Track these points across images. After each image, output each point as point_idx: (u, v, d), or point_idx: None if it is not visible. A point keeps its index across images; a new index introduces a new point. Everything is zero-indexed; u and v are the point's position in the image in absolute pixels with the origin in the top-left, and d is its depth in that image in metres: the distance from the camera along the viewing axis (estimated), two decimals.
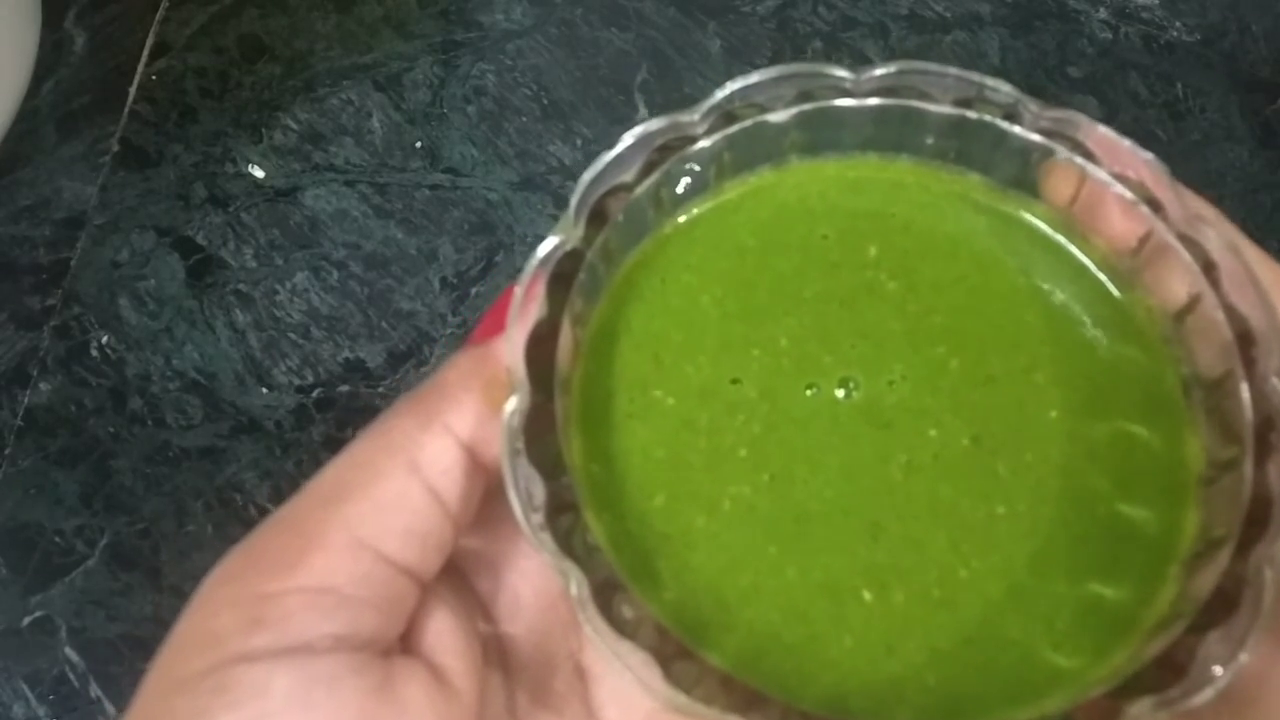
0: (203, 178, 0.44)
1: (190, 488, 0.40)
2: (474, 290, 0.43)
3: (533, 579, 0.23)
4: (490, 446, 0.20)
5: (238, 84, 0.46)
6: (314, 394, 0.41)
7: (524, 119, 0.45)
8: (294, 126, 0.45)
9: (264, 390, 0.41)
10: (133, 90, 0.46)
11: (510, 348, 0.20)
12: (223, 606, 0.19)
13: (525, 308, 0.21)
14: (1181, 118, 0.44)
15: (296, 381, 0.41)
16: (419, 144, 0.45)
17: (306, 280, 0.43)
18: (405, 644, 0.21)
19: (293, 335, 0.42)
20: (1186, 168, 0.43)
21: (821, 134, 0.24)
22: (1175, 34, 0.46)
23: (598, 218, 0.22)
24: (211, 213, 0.44)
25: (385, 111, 0.46)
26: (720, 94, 0.22)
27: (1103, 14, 0.47)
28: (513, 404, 0.20)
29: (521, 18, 0.47)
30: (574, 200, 0.21)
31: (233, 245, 0.43)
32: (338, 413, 0.41)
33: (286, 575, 0.19)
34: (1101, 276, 0.23)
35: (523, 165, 0.45)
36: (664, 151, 0.22)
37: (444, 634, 0.21)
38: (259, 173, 0.45)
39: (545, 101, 0.46)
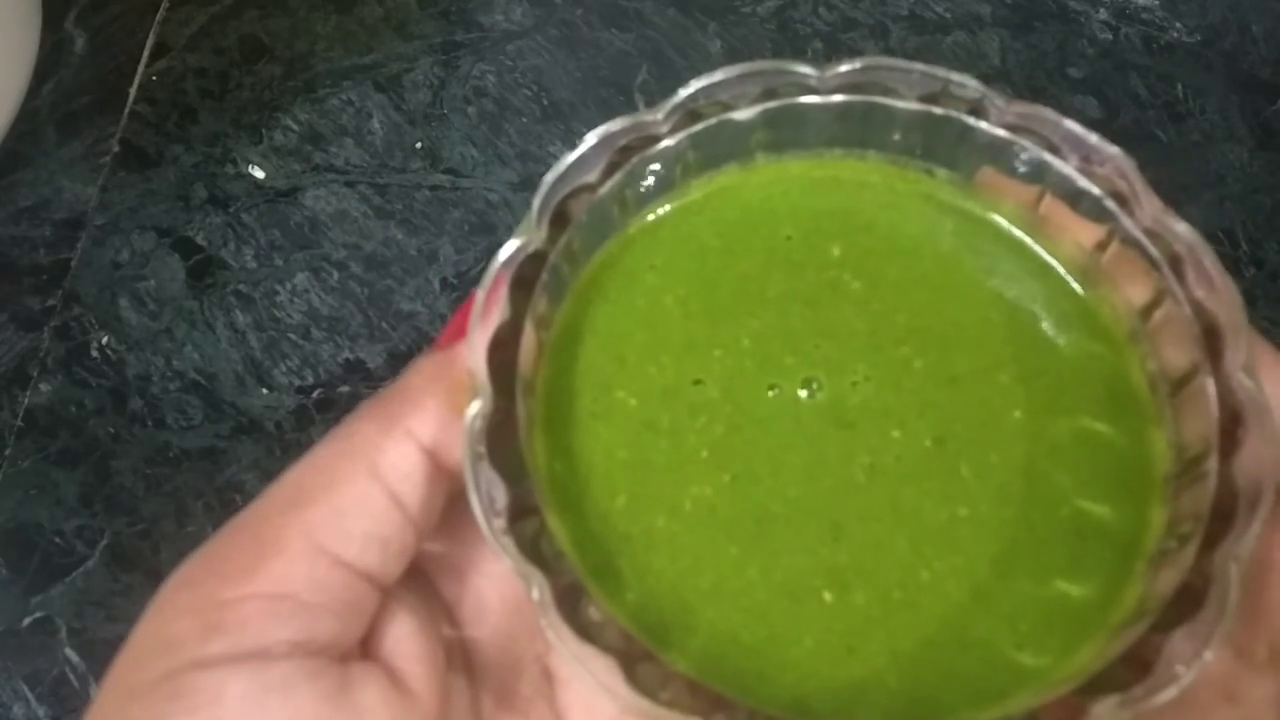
0: (203, 178, 0.44)
1: (190, 488, 0.40)
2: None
3: (498, 583, 0.22)
4: (453, 451, 0.20)
5: (238, 84, 0.46)
6: (314, 395, 0.41)
7: (524, 120, 0.45)
8: (294, 127, 0.45)
9: (264, 391, 0.41)
10: (133, 91, 0.46)
11: (472, 351, 0.20)
12: (179, 612, 0.19)
13: (487, 311, 0.20)
14: (1181, 118, 0.44)
15: (297, 382, 0.41)
16: (419, 145, 0.45)
17: (307, 281, 0.43)
18: (366, 649, 0.20)
19: (293, 336, 0.42)
20: (1186, 168, 0.43)
21: (787, 131, 0.23)
22: (1175, 35, 0.46)
23: (561, 219, 0.21)
24: (212, 213, 0.44)
25: (385, 112, 0.46)
26: (684, 92, 0.22)
27: (1103, 15, 0.47)
28: (475, 408, 0.20)
29: (522, 18, 0.47)
30: (536, 202, 0.21)
31: (233, 246, 0.43)
32: (338, 414, 0.41)
33: (244, 581, 0.19)
34: (1066, 275, 0.23)
35: (523, 166, 0.45)
36: (627, 151, 0.22)
37: (405, 639, 0.21)
38: (259, 173, 0.45)
39: (545, 102, 0.46)
